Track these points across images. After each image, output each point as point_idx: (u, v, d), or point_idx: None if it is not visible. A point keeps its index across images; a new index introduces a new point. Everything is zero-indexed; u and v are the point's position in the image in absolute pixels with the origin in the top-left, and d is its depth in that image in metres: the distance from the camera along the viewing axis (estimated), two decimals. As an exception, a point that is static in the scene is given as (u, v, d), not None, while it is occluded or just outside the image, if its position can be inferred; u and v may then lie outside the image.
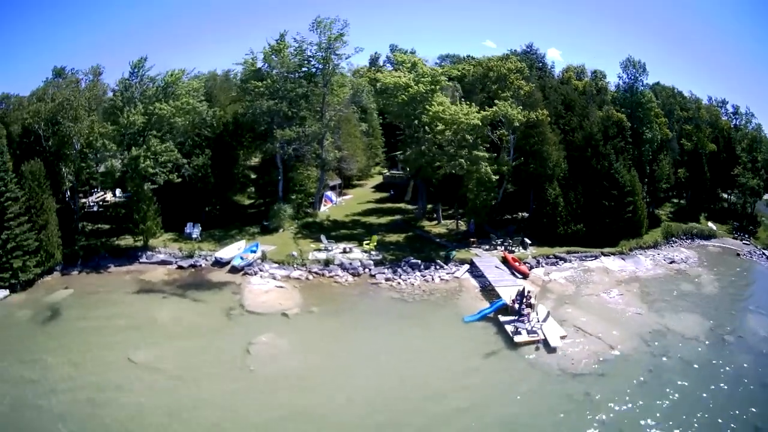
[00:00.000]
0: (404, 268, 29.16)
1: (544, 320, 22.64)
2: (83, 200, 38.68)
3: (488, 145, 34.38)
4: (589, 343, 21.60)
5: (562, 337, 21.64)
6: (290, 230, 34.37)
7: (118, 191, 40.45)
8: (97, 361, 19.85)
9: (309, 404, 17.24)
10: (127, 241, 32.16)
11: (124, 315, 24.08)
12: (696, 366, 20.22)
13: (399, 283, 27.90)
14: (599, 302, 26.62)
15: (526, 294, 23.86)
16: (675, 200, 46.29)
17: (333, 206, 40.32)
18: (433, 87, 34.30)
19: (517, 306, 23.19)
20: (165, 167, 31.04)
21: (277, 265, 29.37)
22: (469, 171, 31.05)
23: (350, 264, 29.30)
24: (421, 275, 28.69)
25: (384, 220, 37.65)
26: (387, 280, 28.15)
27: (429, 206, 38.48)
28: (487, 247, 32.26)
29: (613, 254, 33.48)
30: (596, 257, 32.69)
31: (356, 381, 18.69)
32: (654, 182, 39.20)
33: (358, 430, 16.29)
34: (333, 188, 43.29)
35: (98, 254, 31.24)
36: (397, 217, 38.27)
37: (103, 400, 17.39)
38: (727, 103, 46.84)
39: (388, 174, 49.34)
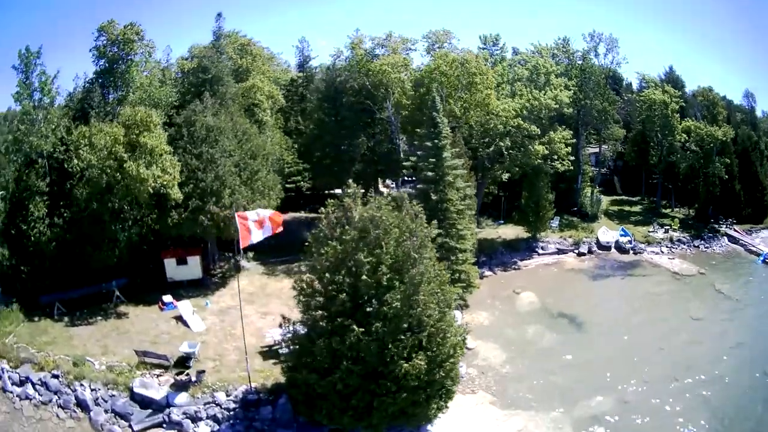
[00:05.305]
0: (706, 240, 47.82)
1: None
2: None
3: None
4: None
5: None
6: (604, 217, 48.78)
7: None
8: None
9: None
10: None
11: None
12: None
13: (714, 249, 46.99)
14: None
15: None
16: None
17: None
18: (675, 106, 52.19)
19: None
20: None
21: (643, 245, 44.47)
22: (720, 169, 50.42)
23: (679, 240, 46.28)
24: (716, 243, 47.84)
25: (636, 208, 54.96)
26: (706, 247, 46.74)
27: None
28: (716, 225, 52.59)
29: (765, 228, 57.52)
30: (762, 230, 55.96)
31: None
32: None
33: None
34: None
35: (494, 250, 39.18)
36: (638, 207, 55.58)
37: None
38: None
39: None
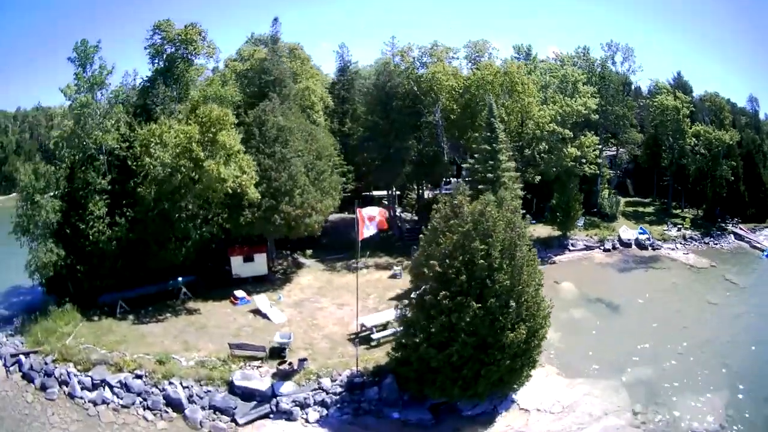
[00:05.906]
0: (715, 237, 52.36)
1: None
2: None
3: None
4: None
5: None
6: (621, 217, 52.63)
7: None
8: None
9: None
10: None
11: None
12: None
13: (722, 246, 51.55)
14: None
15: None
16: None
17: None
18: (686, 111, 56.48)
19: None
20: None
21: (659, 241, 48.45)
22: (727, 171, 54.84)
23: (691, 238, 50.46)
24: (724, 240, 52.40)
25: (648, 209, 59.09)
26: (715, 244, 51.47)
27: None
28: (724, 224, 56.92)
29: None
30: (765, 228, 60.17)
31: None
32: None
33: None
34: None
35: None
36: (651, 208, 59.64)
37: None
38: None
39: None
